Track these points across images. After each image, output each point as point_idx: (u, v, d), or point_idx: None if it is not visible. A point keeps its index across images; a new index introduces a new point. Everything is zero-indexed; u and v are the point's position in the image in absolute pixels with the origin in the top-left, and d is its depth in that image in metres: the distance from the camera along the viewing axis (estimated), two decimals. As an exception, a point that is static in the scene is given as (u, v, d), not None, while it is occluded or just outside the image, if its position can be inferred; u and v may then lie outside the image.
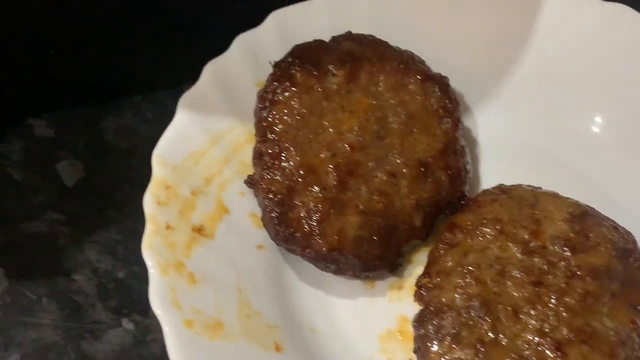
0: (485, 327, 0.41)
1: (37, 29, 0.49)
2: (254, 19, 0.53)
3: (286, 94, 0.49)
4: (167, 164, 0.46)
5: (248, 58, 0.51)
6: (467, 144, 0.51)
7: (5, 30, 0.49)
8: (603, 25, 0.50)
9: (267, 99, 0.49)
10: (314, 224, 0.46)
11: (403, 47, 0.52)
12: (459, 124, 0.50)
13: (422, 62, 0.52)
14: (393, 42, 0.53)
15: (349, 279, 0.47)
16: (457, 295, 0.43)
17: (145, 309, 0.48)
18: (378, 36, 0.53)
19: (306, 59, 0.50)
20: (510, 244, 0.44)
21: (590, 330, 0.40)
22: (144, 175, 0.51)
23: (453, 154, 0.49)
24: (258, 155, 0.48)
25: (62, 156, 0.53)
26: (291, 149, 0.47)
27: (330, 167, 0.47)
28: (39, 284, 0.48)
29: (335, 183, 0.46)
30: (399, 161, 0.48)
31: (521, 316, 0.41)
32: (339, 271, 0.46)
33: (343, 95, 0.49)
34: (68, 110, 0.55)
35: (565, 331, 0.40)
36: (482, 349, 0.41)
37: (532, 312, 0.41)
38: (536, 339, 0.40)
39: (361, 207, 0.46)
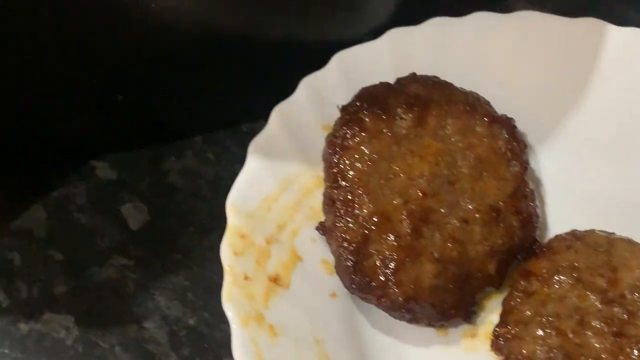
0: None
1: (103, 74, 0.49)
2: (301, 58, 0.52)
3: (356, 139, 0.49)
4: (241, 212, 0.46)
5: (314, 101, 0.51)
6: (535, 186, 0.51)
7: (71, 74, 0.49)
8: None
9: (336, 144, 0.49)
10: (390, 273, 0.45)
11: (466, 87, 0.52)
12: (527, 166, 0.50)
13: (488, 103, 0.52)
14: (455, 82, 0.52)
15: (423, 327, 0.47)
16: (537, 347, 0.43)
17: (218, 357, 0.47)
18: (440, 76, 0.53)
19: (374, 102, 0.50)
20: (589, 293, 0.44)
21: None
22: (208, 218, 0.52)
23: (523, 198, 0.49)
24: (330, 202, 0.48)
25: (126, 199, 0.53)
26: (363, 195, 0.47)
27: (404, 215, 0.46)
28: (110, 332, 0.48)
29: (409, 231, 0.46)
30: (470, 207, 0.48)
31: (605, 369, 0.41)
32: (414, 320, 0.46)
33: (412, 139, 0.49)
34: (130, 151, 0.55)
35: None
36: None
37: (616, 365, 0.41)
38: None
39: (436, 255, 0.46)
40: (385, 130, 0.49)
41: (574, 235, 0.47)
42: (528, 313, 0.44)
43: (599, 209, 0.50)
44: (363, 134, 0.49)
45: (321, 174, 0.49)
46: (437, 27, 0.54)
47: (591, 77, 0.52)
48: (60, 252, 0.51)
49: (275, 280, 0.45)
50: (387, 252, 0.46)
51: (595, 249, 0.46)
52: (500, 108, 0.52)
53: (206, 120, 0.56)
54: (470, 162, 0.49)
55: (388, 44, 0.53)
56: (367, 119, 0.49)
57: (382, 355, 0.46)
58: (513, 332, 0.44)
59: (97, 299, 0.49)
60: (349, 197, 0.47)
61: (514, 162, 0.50)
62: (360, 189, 0.47)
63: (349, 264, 0.46)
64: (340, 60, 0.52)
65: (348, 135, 0.49)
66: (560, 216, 0.51)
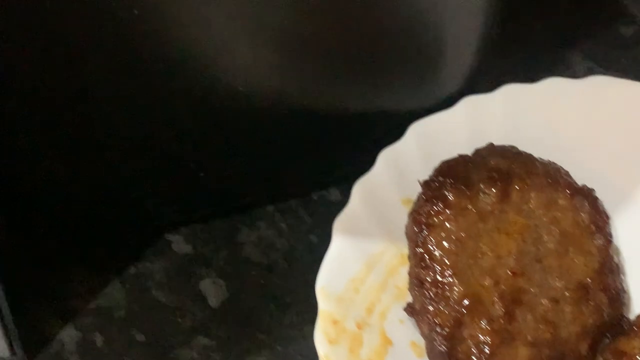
0: None
1: (185, 151, 0.49)
2: (372, 128, 0.52)
3: (441, 216, 0.48)
4: (331, 296, 0.46)
5: (393, 174, 0.51)
6: (617, 259, 0.50)
7: (153, 151, 0.48)
8: None
9: (421, 222, 0.48)
10: (485, 358, 0.45)
11: (541, 154, 0.52)
12: (611, 239, 0.50)
13: (568, 174, 0.51)
14: (531, 149, 0.52)
15: (517, 409, 0.46)
16: None
17: None
18: (515, 143, 0.52)
19: (455, 177, 0.49)
20: (685, 373, 0.44)
21: None
22: (286, 293, 0.51)
23: (610, 273, 0.49)
24: (418, 283, 0.47)
25: (203, 274, 0.53)
26: (453, 276, 0.47)
27: (496, 297, 0.46)
28: (199, 417, 0.48)
29: (502, 313, 0.46)
30: (559, 285, 0.47)
31: None
32: (509, 404, 0.46)
33: (497, 215, 0.49)
34: (203, 223, 0.55)
35: None
36: None
37: None
38: None
39: (529, 338, 0.46)
40: (469, 207, 0.48)
41: (665, 312, 0.47)
42: (626, 395, 0.44)
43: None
44: (448, 211, 0.48)
45: (404, 251, 0.49)
46: (510, 94, 0.54)
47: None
48: (142, 332, 0.50)
49: (369, 367, 0.44)
50: (481, 337, 0.45)
51: (687, 326, 0.45)
52: (576, 176, 0.51)
53: (278, 189, 0.56)
54: (555, 237, 0.48)
55: (462, 113, 0.53)
56: (450, 195, 0.48)
57: None
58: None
59: (183, 383, 0.49)
60: (438, 278, 0.47)
61: (597, 235, 0.49)
62: (449, 269, 0.47)
63: (443, 349, 0.45)
64: (416, 131, 0.52)
65: (432, 213, 0.48)
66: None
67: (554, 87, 0.54)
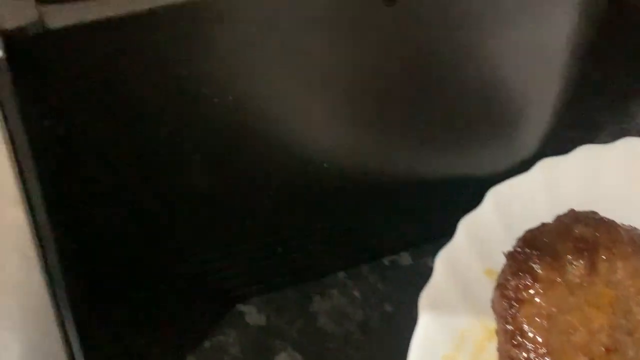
0: None
1: (266, 227, 0.48)
2: (444, 192, 0.52)
3: (530, 291, 0.47)
4: (421, 379, 0.45)
5: (474, 244, 0.50)
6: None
7: (229, 230, 0.47)
8: None
9: (510, 297, 0.47)
10: None
11: (621, 217, 0.51)
12: (699, 309, 0.49)
13: (651, 240, 0.50)
14: (609, 212, 0.51)
15: None
16: None
17: None
18: (593, 205, 0.51)
19: (541, 248, 0.48)
20: None
21: None
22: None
23: (701, 344, 0.48)
24: (510, 362, 0.46)
25: (279, 347, 0.51)
26: (547, 355, 0.45)
27: (591, 375, 0.45)
28: None
29: (598, 393, 0.45)
30: (653, 359, 0.46)
31: None
32: None
33: (586, 288, 0.48)
34: (275, 292, 0.53)
35: None
36: None
37: None
38: None
39: (629, 419, 0.45)
40: (558, 280, 0.47)
41: None
42: None
43: None
44: (536, 284, 0.47)
45: (490, 325, 0.48)
46: (586, 155, 0.53)
47: None
48: (222, 411, 0.49)
49: None
50: (580, 420, 0.44)
51: None
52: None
53: (348, 255, 0.55)
54: (644, 308, 0.47)
55: (539, 176, 0.53)
56: (538, 268, 0.47)
57: None
58: None
59: None
60: (532, 356, 0.45)
61: (684, 304, 0.48)
62: (542, 347, 0.46)
63: None
64: (495, 197, 0.51)
65: (521, 287, 0.47)
66: None
67: (630, 147, 0.53)
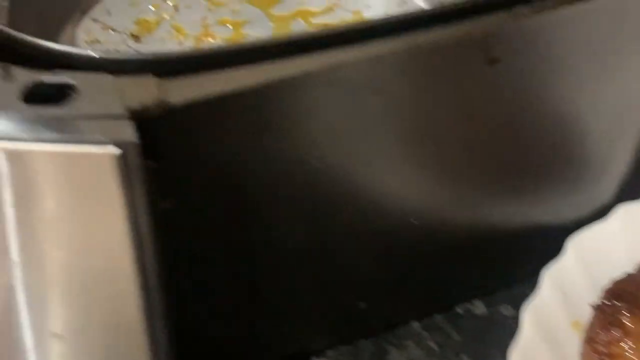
0: None
1: (350, 289, 0.47)
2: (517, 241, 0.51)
3: (621, 344, 0.46)
4: None
5: (560, 296, 0.49)
6: None
7: (318, 291, 0.46)
8: None
9: (601, 352, 0.46)
10: None
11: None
12: None
13: None
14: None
15: None
16: None
17: None
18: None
19: (629, 300, 0.47)
20: None
21: None
22: None
23: None
24: (605, 418, 0.45)
25: (360, 404, 0.50)
26: (643, 412, 0.44)
27: None
28: None
29: None
30: None
31: None
32: None
33: (673, 340, 0.47)
34: (349, 344, 0.52)
35: None
36: None
37: None
38: None
39: None
40: (647, 332, 0.46)
41: None
42: None
43: None
44: (627, 339, 0.46)
45: (579, 379, 0.47)
46: (664, 200, 0.52)
47: None
48: None
49: None
50: None
51: None
52: None
53: (422, 304, 0.54)
54: None
55: (618, 223, 0.52)
56: (628, 322, 0.46)
57: None
58: None
59: None
60: (628, 414, 0.44)
61: None
62: (637, 404, 0.45)
63: None
64: (576, 246, 0.50)
65: (612, 341, 0.46)
66: None
67: None
